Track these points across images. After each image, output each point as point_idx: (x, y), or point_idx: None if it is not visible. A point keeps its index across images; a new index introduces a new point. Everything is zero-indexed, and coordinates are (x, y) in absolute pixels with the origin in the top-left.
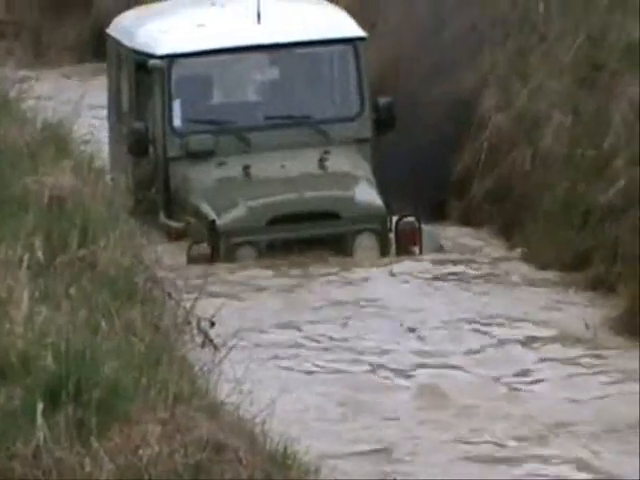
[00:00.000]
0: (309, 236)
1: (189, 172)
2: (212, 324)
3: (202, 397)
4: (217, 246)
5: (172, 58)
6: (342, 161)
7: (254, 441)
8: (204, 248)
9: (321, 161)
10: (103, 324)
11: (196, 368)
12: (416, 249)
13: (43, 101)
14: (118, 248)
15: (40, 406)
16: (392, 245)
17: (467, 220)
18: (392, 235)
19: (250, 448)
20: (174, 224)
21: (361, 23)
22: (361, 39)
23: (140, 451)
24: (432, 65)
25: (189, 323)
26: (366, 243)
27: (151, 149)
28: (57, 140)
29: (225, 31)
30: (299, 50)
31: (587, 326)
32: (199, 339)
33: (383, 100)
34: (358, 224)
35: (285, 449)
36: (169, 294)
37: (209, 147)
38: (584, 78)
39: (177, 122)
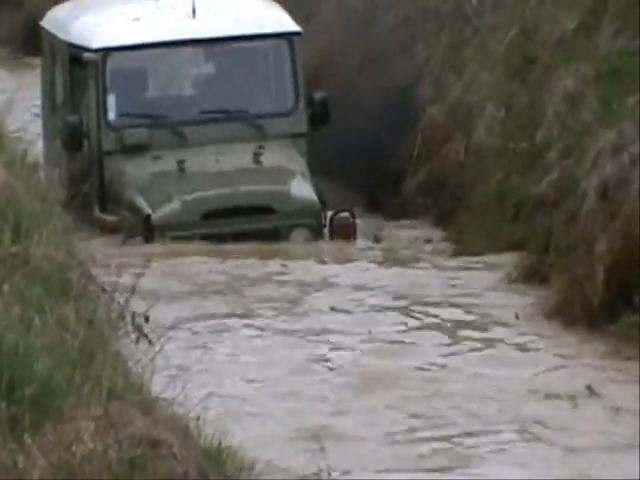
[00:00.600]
0: (244, 230)
1: (124, 166)
2: (146, 319)
3: (136, 393)
4: (151, 240)
5: (107, 52)
6: (277, 156)
7: (188, 436)
8: (138, 242)
9: (256, 156)
10: (36, 320)
11: (130, 364)
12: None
13: None
14: (51, 243)
15: None
16: (326, 240)
17: (402, 212)
18: (326, 230)
19: (184, 443)
20: (109, 218)
21: (296, 16)
22: (296, 34)
23: (74, 447)
24: (365, 57)
25: (123, 318)
26: (300, 238)
27: (85, 143)
28: None
29: (160, 25)
30: (234, 45)
31: (517, 316)
32: (134, 334)
33: (318, 95)
34: (293, 219)
35: (219, 444)
36: (103, 289)
37: (144, 141)
38: (517, 71)
39: (112, 116)
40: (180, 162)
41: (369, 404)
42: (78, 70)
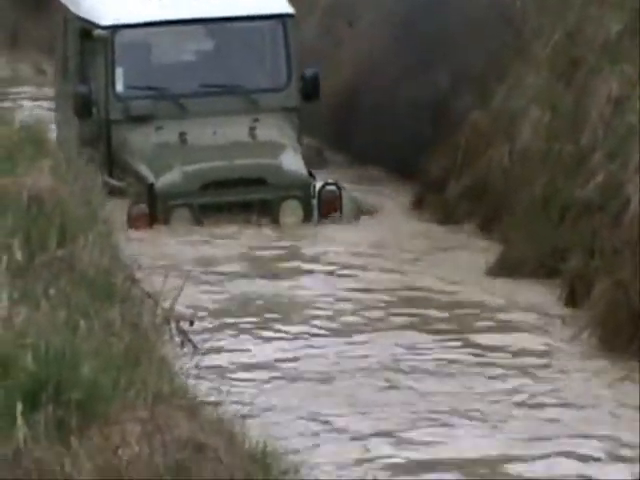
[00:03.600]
0: (238, 200)
1: (129, 135)
2: (191, 323)
3: (181, 396)
4: (154, 207)
5: (115, 29)
6: (270, 130)
7: (234, 440)
8: (143, 208)
9: (251, 129)
10: (82, 324)
11: (175, 367)
12: (337, 214)
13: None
14: (97, 248)
15: (20, 407)
16: (315, 210)
17: (445, 217)
18: (315, 201)
19: (230, 447)
20: (115, 183)
21: (338, 23)
22: (289, 15)
23: (120, 451)
24: (407, 64)
25: (168, 322)
26: (291, 208)
27: (95, 111)
28: (35, 140)
29: (165, 5)
30: (232, 24)
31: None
32: (178, 338)
33: (309, 72)
34: (284, 190)
35: (264, 447)
36: (148, 293)
37: (148, 111)
38: (561, 73)
39: (119, 87)
40: (182, 134)
41: None
42: (89, 44)
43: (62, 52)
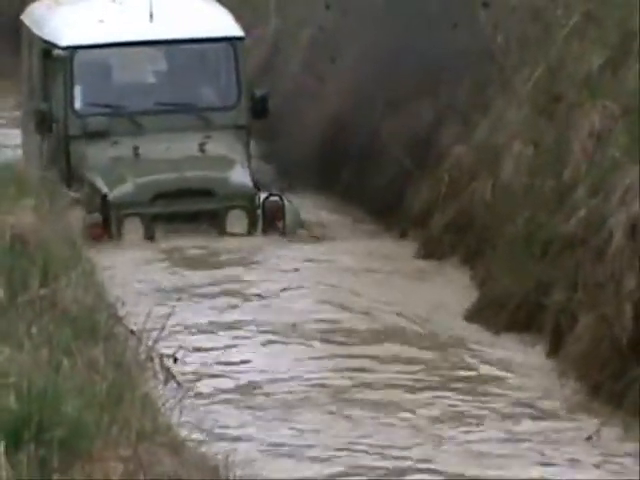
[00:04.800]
0: (188, 210)
1: (87, 150)
2: (175, 360)
3: (165, 434)
4: (108, 216)
5: (74, 49)
6: (220, 145)
7: (217, 477)
8: (97, 217)
9: (201, 145)
10: (65, 363)
11: (159, 405)
12: (280, 224)
13: None
14: (80, 286)
15: (2, 445)
16: (259, 220)
17: (429, 251)
18: (260, 211)
19: None
20: (73, 194)
21: (322, 58)
22: (239, 38)
23: None
24: (391, 99)
25: (151, 360)
26: (236, 218)
27: (55, 128)
28: (17, 179)
29: (121, 27)
30: (186, 46)
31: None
32: (162, 376)
33: (258, 92)
34: (230, 201)
35: None
36: (131, 331)
37: (105, 127)
38: (543, 108)
39: (77, 105)
40: (135, 148)
41: None
42: (50, 63)
43: (28, 72)
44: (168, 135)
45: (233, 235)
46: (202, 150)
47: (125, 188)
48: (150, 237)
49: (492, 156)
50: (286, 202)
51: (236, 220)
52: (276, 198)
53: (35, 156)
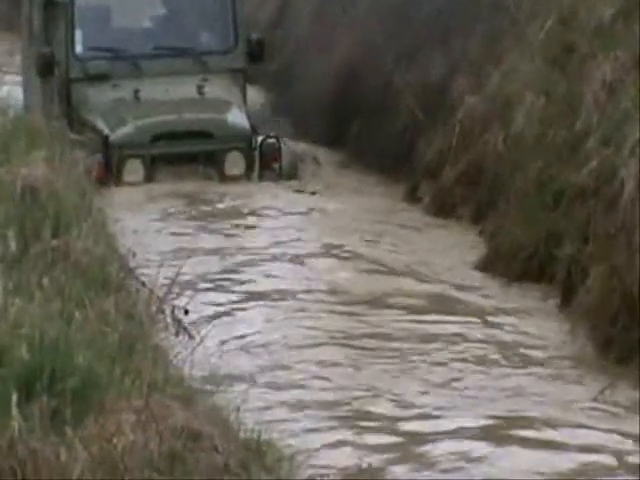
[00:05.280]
0: (187, 151)
1: (88, 92)
2: (186, 312)
3: (176, 385)
4: (110, 157)
5: None
6: (217, 88)
7: (229, 428)
8: (98, 158)
9: (199, 87)
10: (77, 314)
11: (170, 356)
12: (277, 165)
13: None
14: (91, 238)
15: (14, 397)
16: (257, 162)
17: (440, 203)
18: (257, 153)
19: (225, 435)
20: (75, 136)
21: (333, 9)
22: None
23: (115, 440)
24: (402, 50)
25: (163, 312)
26: (234, 159)
27: (56, 71)
28: (29, 131)
29: None
30: None
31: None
32: (173, 327)
33: (255, 36)
34: (228, 143)
35: (259, 436)
36: (142, 283)
37: (105, 71)
38: (555, 59)
39: (79, 48)
40: (135, 91)
41: None
42: (51, 8)
43: (28, 18)
44: (167, 78)
45: (231, 176)
46: (200, 93)
47: (126, 129)
48: (150, 178)
49: (504, 107)
50: (282, 144)
51: (234, 161)
52: (273, 140)
53: (37, 99)
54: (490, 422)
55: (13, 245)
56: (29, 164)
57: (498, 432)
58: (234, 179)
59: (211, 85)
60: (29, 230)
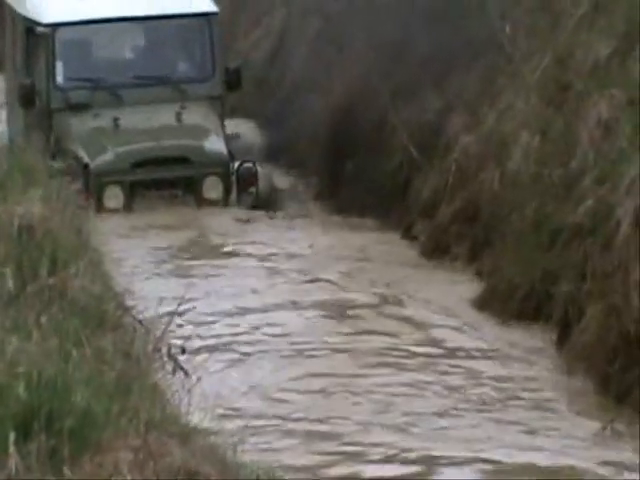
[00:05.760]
0: (165, 177)
1: (69, 121)
2: (183, 351)
3: (174, 423)
4: (89, 184)
5: (56, 26)
6: (195, 115)
7: (226, 466)
8: (79, 186)
9: (178, 115)
10: (74, 353)
11: (168, 395)
12: (253, 189)
13: None
14: (88, 275)
15: (12, 435)
16: (234, 186)
17: (436, 241)
18: (234, 177)
19: (223, 473)
20: (56, 164)
21: (329, 48)
22: (214, 14)
23: (112, 479)
24: (398, 88)
25: (159, 350)
26: (212, 184)
27: (38, 101)
28: (25, 169)
29: (100, 4)
30: (163, 22)
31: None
32: (170, 366)
33: (232, 65)
34: (205, 168)
35: (257, 475)
36: (139, 321)
37: (86, 100)
38: (551, 98)
39: (60, 79)
40: (115, 119)
41: None
42: (33, 40)
43: (11, 49)
44: (146, 106)
45: (209, 200)
46: (179, 120)
47: (106, 157)
48: (129, 204)
49: (500, 145)
50: (259, 168)
51: (212, 186)
52: (249, 165)
53: (19, 129)
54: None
55: (10, 283)
56: (26, 202)
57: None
58: (212, 203)
59: (189, 112)
60: (26, 268)
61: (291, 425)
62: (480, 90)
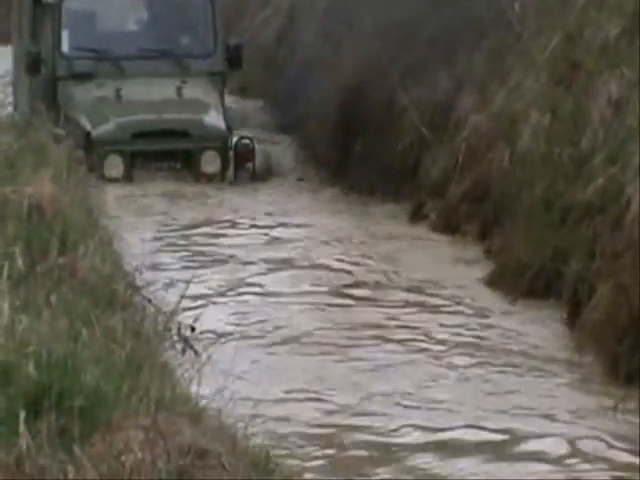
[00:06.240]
0: (165, 149)
1: (73, 90)
2: (192, 329)
3: (184, 403)
4: (91, 152)
5: None
6: (196, 90)
7: (236, 446)
8: (80, 153)
9: (179, 89)
10: (84, 332)
11: (178, 374)
12: (250, 165)
13: None
14: (97, 255)
15: (22, 414)
16: (231, 161)
17: (446, 221)
18: (232, 152)
19: (233, 453)
20: (59, 131)
21: (338, 27)
22: None
23: (123, 457)
24: (407, 67)
25: (170, 329)
26: (210, 158)
27: (43, 69)
28: (35, 148)
29: None
30: None
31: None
32: (180, 345)
33: (233, 42)
34: (204, 142)
35: (267, 453)
36: (149, 300)
37: (90, 70)
38: (561, 77)
39: (65, 48)
40: (118, 90)
41: None
42: (40, 10)
43: (18, 18)
44: (148, 79)
45: (207, 174)
46: (179, 94)
47: (107, 127)
48: (129, 174)
49: (510, 124)
50: (256, 145)
51: (209, 160)
52: (247, 141)
53: (25, 95)
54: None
55: (20, 263)
56: (35, 183)
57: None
58: (209, 177)
59: (190, 87)
60: (36, 248)
61: (305, 405)
62: (489, 69)
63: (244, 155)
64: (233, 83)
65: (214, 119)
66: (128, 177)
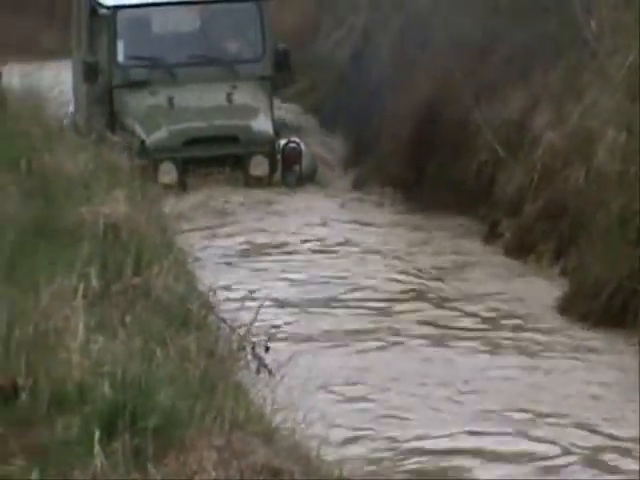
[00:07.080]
0: (215, 155)
1: (128, 98)
2: (267, 349)
3: (257, 423)
4: (146, 159)
5: (117, 8)
6: (245, 95)
7: (310, 465)
8: (136, 160)
9: (229, 95)
10: (158, 352)
11: (251, 394)
12: (297, 167)
13: None
14: (172, 274)
15: (97, 434)
16: (279, 164)
17: (521, 239)
18: (279, 156)
19: (306, 472)
20: (115, 139)
21: (413, 45)
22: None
23: (196, 477)
24: (482, 85)
25: (243, 349)
26: (258, 162)
27: (100, 78)
28: (109, 168)
29: None
30: (217, 5)
31: None
32: (254, 365)
33: (281, 47)
34: (253, 147)
35: (340, 472)
36: (223, 320)
37: (144, 78)
38: (637, 94)
39: (120, 57)
40: (170, 98)
41: None
42: (96, 20)
43: (77, 28)
44: (199, 85)
45: (256, 177)
46: (229, 100)
47: (160, 134)
48: (182, 180)
49: (585, 142)
50: (303, 148)
51: (258, 164)
52: (294, 144)
53: (83, 103)
54: None
55: (95, 283)
56: (110, 202)
57: None
58: (258, 180)
59: (239, 92)
60: (111, 268)
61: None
62: (565, 87)
63: (291, 158)
64: (307, 103)
65: (262, 124)
66: (181, 184)
